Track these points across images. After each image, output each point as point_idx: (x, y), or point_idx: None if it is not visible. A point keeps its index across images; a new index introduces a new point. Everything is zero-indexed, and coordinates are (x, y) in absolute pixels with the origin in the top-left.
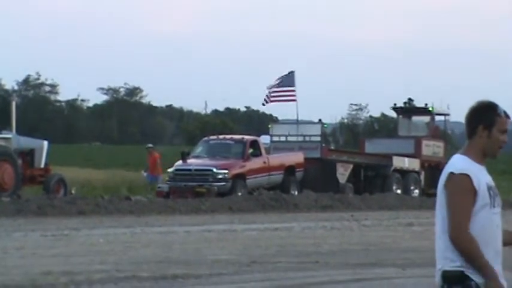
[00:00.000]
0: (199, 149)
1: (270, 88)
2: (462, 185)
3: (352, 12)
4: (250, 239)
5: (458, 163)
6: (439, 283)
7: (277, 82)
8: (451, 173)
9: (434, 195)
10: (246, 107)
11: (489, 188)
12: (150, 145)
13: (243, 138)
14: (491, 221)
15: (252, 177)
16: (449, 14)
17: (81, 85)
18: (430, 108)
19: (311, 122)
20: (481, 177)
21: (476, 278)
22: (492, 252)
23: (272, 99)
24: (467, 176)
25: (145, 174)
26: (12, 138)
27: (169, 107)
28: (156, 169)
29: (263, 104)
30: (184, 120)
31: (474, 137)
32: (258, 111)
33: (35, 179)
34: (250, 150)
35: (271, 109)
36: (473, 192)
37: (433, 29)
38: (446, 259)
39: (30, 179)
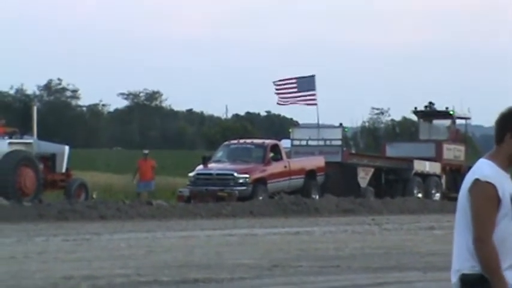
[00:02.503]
0: (220, 153)
1: (281, 86)
2: (487, 193)
3: (372, 15)
4: (272, 243)
5: (485, 170)
6: (457, 285)
7: (293, 83)
8: (477, 180)
9: (455, 199)
10: (266, 111)
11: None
12: (147, 151)
13: (263, 142)
14: (510, 230)
15: (273, 181)
16: (471, 16)
17: (103, 90)
18: (451, 112)
19: (332, 126)
20: (506, 186)
21: None
22: (509, 262)
23: (291, 100)
24: (492, 185)
25: (134, 181)
26: (34, 143)
27: (190, 111)
28: (150, 175)
29: (278, 103)
30: (205, 125)
31: (502, 143)
32: (278, 115)
33: (56, 183)
34: (271, 155)
35: (291, 113)
36: (498, 201)
37: (455, 31)
38: (467, 262)
39: (52, 184)
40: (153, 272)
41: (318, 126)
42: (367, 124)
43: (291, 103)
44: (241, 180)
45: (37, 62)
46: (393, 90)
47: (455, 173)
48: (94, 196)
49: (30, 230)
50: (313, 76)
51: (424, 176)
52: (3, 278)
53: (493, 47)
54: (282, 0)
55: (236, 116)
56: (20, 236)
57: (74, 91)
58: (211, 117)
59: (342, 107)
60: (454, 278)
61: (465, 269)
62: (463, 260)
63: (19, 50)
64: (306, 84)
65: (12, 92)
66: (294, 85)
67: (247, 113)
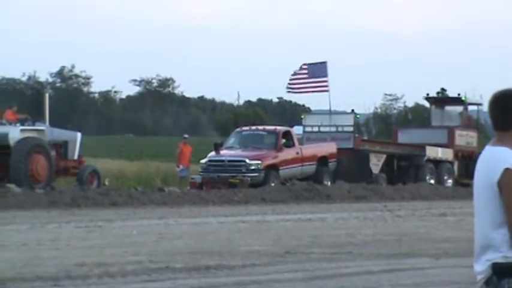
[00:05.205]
0: (232, 140)
1: (295, 75)
2: None
3: (385, 0)
4: (284, 230)
5: (511, 157)
6: (486, 275)
7: (304, 69)
8: (508, 169)
9: (467, 185)
10: (278, 97)
11: None
12: (187, 136)
13: (275, 129)
14: None
15: (285, 167)
16: (484, 2)
17: (115, 77)
18: (463, 98)
19: (344, 113)
20: None
21: None
22: None
23: (304, 89)
24: None
25: (181, 167)
26: (46, 130)
27: (202, 98)
28: (188, 161)
29: (288, 92)
30: (217, 111)
31: None
32: (290, 101)
33: (69, 170)
34: (283, 141)
35: (303, 99)
36: None
37: (467, 17)
38: (497, 252)
39: (64, 171)
40: (165, 258)
41: (330, 112)
42: (379, 110)
43: (302, 92)
44: (253, 167)
45: (49, 49)
46: (406, 76)
47: (467, 159)
48: (106, 183)
49: (42, 217)
50: (325, 62)
51: (436, 162)
52: (16, 265)
53: (507, 33)
54: None
55: (248, 102)
56: (33, 223)
57: (87, 78)
58: (223, 104)
59: (354, 93)
60: (482, 267)
61: (497, 259)
62: (492, 251)
63: (32, 38)
64: (318, 70)
65: (24, 79)
66: (305, 73)
67: (259, 100)
